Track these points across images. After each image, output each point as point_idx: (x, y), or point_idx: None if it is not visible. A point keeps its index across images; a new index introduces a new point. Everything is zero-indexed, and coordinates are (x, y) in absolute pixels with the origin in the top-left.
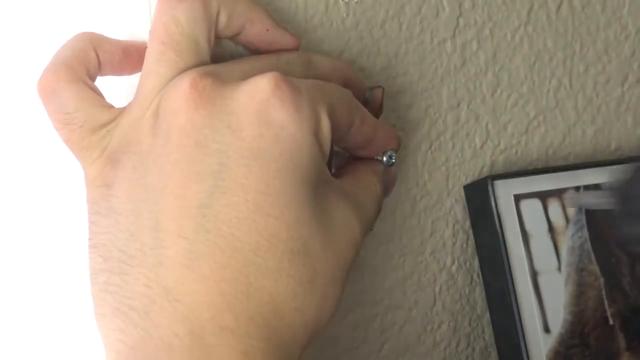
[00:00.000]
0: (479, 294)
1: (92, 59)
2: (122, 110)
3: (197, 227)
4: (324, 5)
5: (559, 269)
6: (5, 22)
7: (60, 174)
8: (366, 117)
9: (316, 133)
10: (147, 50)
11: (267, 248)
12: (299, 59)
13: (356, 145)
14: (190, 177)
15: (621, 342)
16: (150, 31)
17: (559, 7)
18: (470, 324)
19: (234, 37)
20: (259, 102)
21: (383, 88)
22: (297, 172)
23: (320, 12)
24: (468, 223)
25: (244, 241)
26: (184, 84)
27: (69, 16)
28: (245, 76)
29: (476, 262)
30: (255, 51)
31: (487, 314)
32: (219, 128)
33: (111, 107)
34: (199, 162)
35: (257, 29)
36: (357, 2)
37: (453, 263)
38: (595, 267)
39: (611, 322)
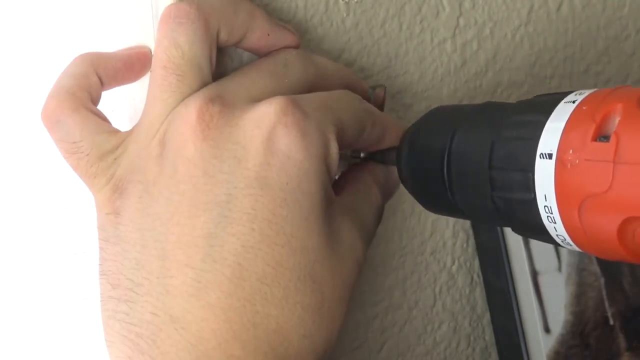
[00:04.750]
0: (479, 294)
1: (94, 83)
2: (128, 135)
3: (204, 257)
4: (324, 5)
5: (560, 269)
6: (11, 31)
7: (59, 179)
8: (377, 119)
9: (324, 158)
10: (151, 74)
11: (274, 276)
12: (298, 58)
13: (368, 145)
14: (197, 207)
15: (621, 342)
16: (153, 54)
17: (559, 7)
18: (470, 324)
19: (235, 45)
20: (265, 130)
21: (385, 87)
22: (304, 200)
23: (320, 12)
24: (468, 223)
25: (251, 270)
26: (191, 114)
27: (73, 23)
28: (251, 96)
29: (476, 262)
30: (257, 54)
31: (487, 314)
32: (226, 158)
33: (117, 132)
34: (207, 193)
35: (258, 36)
36: (357, 2)
37: (453, 263)
38: (595, 267)
39: (611, 322)
